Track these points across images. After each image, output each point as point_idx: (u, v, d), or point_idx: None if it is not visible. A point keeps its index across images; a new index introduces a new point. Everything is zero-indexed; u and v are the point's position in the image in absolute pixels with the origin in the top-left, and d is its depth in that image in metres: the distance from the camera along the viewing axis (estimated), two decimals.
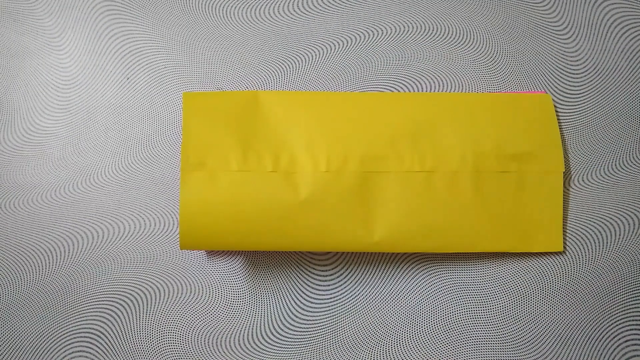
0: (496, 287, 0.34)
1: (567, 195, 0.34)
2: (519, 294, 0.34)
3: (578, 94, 0.35)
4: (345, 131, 0.33)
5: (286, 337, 0.34)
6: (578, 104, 0.35)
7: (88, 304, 0.35)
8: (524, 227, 0.33)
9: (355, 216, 0.32)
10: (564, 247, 0.34)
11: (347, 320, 0.34)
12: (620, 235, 0.34)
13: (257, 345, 0.34)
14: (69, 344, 0.34)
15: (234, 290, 0.35)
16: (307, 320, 0.34)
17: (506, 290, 0.34)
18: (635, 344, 0.33)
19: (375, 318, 0.34)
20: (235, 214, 0.32)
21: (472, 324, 0.34)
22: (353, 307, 0.34)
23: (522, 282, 0.34)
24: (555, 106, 0.35)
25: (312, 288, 0.34)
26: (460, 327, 0.34)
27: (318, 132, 0.33)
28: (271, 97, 0.34)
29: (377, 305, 0.34)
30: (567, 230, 0.34)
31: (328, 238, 0.32)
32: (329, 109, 0.34)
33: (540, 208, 0.33)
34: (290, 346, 0.34)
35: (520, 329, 0.34)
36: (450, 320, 0.34)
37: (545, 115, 0.34)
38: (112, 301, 0.35)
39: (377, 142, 0.33)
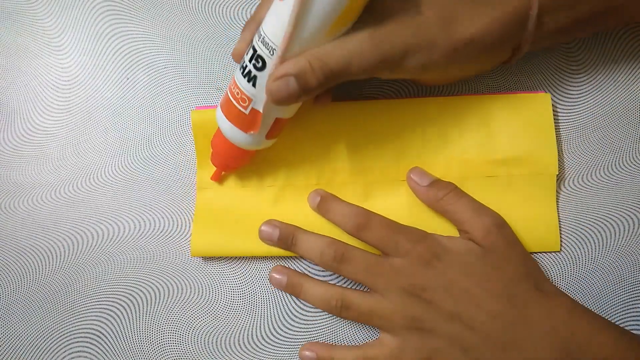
0: None
1: (567, 196, 0.34)
2: None
3: (578, 94, 0.35)
4: (335, 143, 0.34)
5: (286, 337, 0.34)
6: (578, 104, 0.35)
7: (88, 304, 0.35)
8: (519, 229, 0.33)
9: None
10: (562, 247, 0.34)
11: (346, 320, 0.34)
12: (620, 235, 0.34)
13: (257, 345, 0.34)
14: (69, 344, 0.34)
15: (234, 290, 0.35)
16: (307, 320, 0.34)
17: None
18: None
19: None
20: (239, 224, 0.34)
21: None
22: None
23: None
24: (555, 106, 0.35)
25: None
26: None
27: (311, 146, 0.34)
28: None
29: None
30: (567, 231, 0.34)
31: None
32: (321, 122, 0.34)
33: (534, 209, 0.33)
34: (290, 346, 0.34)
35: None
36: None
37: (542, 115, 0.34)
38: (112, 301, 0.35)
39: (364, 153, 0.34)
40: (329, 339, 0.34)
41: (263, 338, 0.34)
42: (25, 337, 0.34)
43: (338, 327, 0.34)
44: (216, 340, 0.34)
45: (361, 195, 0.34)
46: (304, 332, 0.34)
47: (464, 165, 0.34)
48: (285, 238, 0.33)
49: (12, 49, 0.37)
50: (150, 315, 0.34)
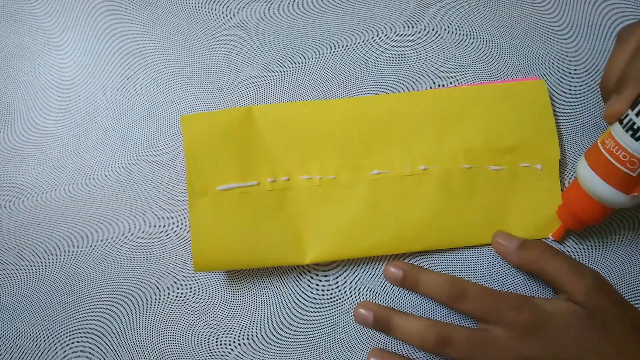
0: (496, 285, 0.34)
1: None
2: (518, 292, 0.34)
3: (578, 93, 0.35)
4: (336, 141, 0.34)
5: (286, 337, 0.34)
6: (577, 104, 0.35)
7: (88, 304, 0.35)
8: (523, 216, 0.33)
9: (355, 223, 0.33)
10: (562, 247, 0.34)
11: (347, 320, 0.34)
12: (620, 235, 0.34)
13: (257, 345, 0.34)
14: (69, 344, 0.34)
15: (234, 290, 0.35)
16: (307, 320, 0.34)
17: (505, 288, 0.34)
18: None
19: None
20: (241, 235, 0.33)
21: (471, 323, 0.34)
22: (353, 307, 0.34)
23: (522, 282, 0.34)
24: (554, 105, 0.35)
25: (312, 288, 0.34)
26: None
27: (311, 145, 0.34)
28: (264, 112, 0.34)
29: None
30: (567, 231, 0.34)
31: (330, 247, 0.33)
32: (321, 120, 0.34)
33: (539, 196, 0.34)
34: (290, 346, 0.34)
35: None
36: (450, 319, 0.34)
37: (539, 102, 0.34)
38: (112, 301, 0.35)
39: (367, 150, 0.34)
40: (329, 339, 0.34)
41: (263, 338, 0.34)
42: (25, 337, 0.34)
43: (338, 328, 0.34)
44: (216, 340, 0.34)
45: (366, 191, 0.34)
46: (304, 332, 0.34)
47: (469, 154, 0.34)
48: (381, 321, 0.32)
49: (12, 49, 0.37)
50: (150, 315, 0.34)
